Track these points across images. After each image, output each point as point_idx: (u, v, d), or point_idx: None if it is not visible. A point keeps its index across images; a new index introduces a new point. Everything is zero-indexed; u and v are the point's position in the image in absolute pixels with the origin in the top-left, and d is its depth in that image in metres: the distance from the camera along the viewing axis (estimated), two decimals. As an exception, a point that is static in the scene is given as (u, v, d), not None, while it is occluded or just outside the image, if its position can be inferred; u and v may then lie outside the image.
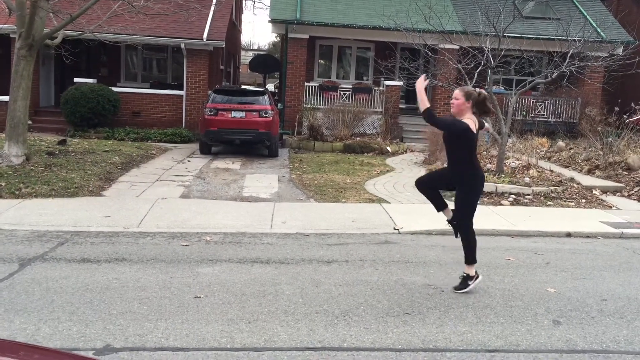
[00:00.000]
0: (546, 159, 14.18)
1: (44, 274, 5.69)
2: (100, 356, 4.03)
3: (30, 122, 12.52)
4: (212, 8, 18.11)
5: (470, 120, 5.28)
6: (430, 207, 9.76)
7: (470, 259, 5.59)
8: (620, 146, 13.08)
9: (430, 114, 5.13)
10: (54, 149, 12.40)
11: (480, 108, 5.40)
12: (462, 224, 5.57)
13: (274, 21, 18.04)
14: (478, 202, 5.62)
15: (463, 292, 5.52)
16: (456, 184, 5.55)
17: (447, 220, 5.81)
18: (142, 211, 8.35)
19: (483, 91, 5.42)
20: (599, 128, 14.90)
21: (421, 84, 5.30)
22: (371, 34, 18.43)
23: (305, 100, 18.11)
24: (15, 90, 10.72)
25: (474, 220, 5.64)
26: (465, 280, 5.58)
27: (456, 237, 5.75)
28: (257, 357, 4.13)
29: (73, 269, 5.88)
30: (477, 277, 5.60)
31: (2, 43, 17.77)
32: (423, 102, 5.21)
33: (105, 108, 16.25)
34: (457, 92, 5.38)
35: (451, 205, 5.77)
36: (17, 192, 8.98)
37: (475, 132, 5.32)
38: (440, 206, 5.82)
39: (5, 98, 13.74)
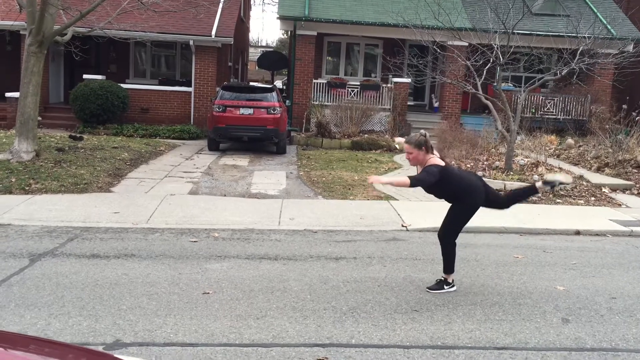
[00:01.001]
0: (555, 157, 14.10)
1: (54, 269, 5.74)
2: (110, 351, 4.05)
3: (40, 118, 12.59)
4: (221, 5, 18.13)
5: (435, 160, 5.25)
6: (438, 204, 9.74)
7: (448, 269, 5.57)
8: (630, 144, 12.99)
9: (417, 180, 5.08)
10: (63, 145, 12.47)
11: (430, 149, 5.32)
12: (445, 241, 5.51)
13: (282, 18, 18.03)
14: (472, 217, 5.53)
15: (435, 292, 5.49)
16: (452, 205, 5.52)
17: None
18: (150, 207, 8.39)
19: (423, 131, 5.36)
20: (607, 126, 14.80)
21: (383, 181, 5.40)
22: (379, 31, 18.39)
23: (313, 97, 18.10)
24: (25, 86, 10.78)
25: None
26: (442, 283, 5.57)
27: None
28: (265, 353, 4.15)
29: (83, 264, 5.92)
30: (453, 285, 5.57)
31: (13, 40, 17.88)
32: (402, 183, 5.17)
33: (114, 104, 16.31)
34: (407, 147, 5.30)
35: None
36: (27, 188, 9.04)
37: (444, 163, 5.31)
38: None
39: (16, 94, 13.82)
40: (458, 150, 12.49)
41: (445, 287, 5.54)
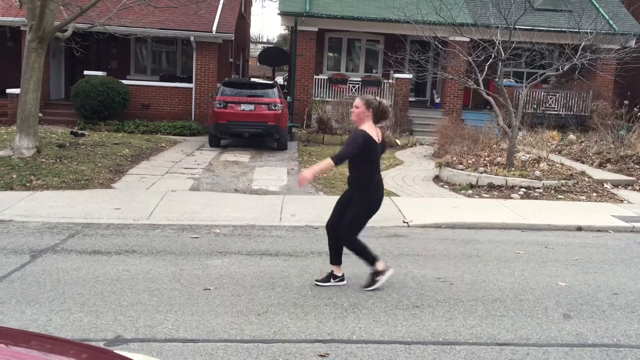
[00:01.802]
0: (557, 153, 14.08)
1: (55, 265, 5.73)
2: (111, 347, 4.05)
3: (40, 114, 12.59)
4: (222, 0, 18.09)
5: (370, 129, 5.15)
6: (439, 201, 9.76)
7: (369, 260, 5.34)
8: (632, 139, 12.97)
9: (339, 157, 4.97)
10: (64, 141, 12.46)
11: (380, 117, 5.21)
12: (345, 239, 5.27)
13: (283, 14, 17.99)
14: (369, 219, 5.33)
15: (374, 289, 5.30)
16: (354, 198, 5.27)
17: (321, 280, 5.46)
18: (152, 203, 8.39)
19: (383, 101, 5.23)
20: (609, 122, 14.77)
21: (309, 175, 5.00)
22: (381, 27, 18.35)
23: (315, 93, 18.07)
24: (26, 82, 10.77)
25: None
26: (373, 276, 5.36)
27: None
28: (266, 348, 4.15)
29: (84, 260, 5.92)
30: (387, 270, 5.36)
31: (14, 36, 17.86)
32: (326, 166, 5.05)
33: (115, 101, 16.30)
34: (358, 101, 5.20)
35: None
36: (28, 184, 9.04)
37: (377, 141, 5.17)
38: (336, 260, 5.44)
39: (17, 90, 13.81)
40: (459, 146, 12.46)
41: (377, 278, 5.33)
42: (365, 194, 5.23)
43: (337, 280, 5.45)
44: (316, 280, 5.48)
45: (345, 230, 5.26)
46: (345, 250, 5.39)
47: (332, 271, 5.48)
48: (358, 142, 5.07)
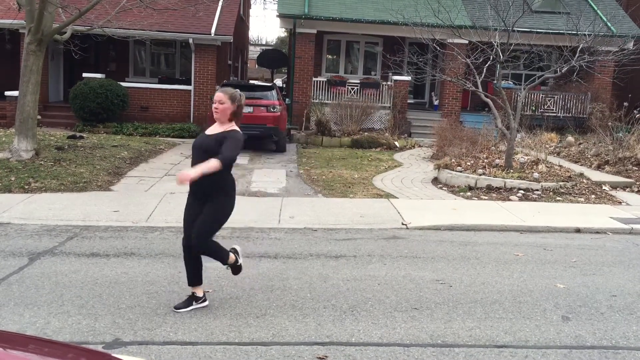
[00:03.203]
0: (555, 154, 14.09)
1: (54, 268, 5.73)
2: (110, 350, 4.05)
3: (39, 117, 12.57)
4: (220, 3, 18.09)
5: (236, 127, 4.75)
6: (438, 203, 9.77)
7: (224, 256, 4.88)
8: (631, 141, 12.99)
9: (229, 159, 4.52)
10: (63, 143, 12.45)
11: (238, 115, 4.83)
12: (202, 243, 4.72)
13: (282, 16, 18.01)
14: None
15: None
16: (213, 202, 4.74)
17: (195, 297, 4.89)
18: (150, 206, 8.38)
19: (243, 96, 4.88)
20: (609, 123, 14.80)
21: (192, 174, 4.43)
22: (379, 29, 18.37)
23: (313, 95, 18.08)
24: (24, 85, 10.76)
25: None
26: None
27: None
28: (265, 351, 4.14)
29: (82, 263, 5.91)
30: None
31: (12, 38, 17.84)
32: (212, 167, 4.42)
33: (114, 103, 16.29)
34: (222, 96, 4.71)
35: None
36: (26, 187, 9.03)
37: None
38: (198, 280, 4.91)
39: (15, 93, 13.80)
40: (458, 148, 12.47)
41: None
42: (228, 196, 4.80)
43: (199, 302, 4.86)
44: (175, 307, 4.79)
45: (203, 237, 4.71)
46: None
47: (193, 293, 4.88)
48: (241, 145, 4.66)
